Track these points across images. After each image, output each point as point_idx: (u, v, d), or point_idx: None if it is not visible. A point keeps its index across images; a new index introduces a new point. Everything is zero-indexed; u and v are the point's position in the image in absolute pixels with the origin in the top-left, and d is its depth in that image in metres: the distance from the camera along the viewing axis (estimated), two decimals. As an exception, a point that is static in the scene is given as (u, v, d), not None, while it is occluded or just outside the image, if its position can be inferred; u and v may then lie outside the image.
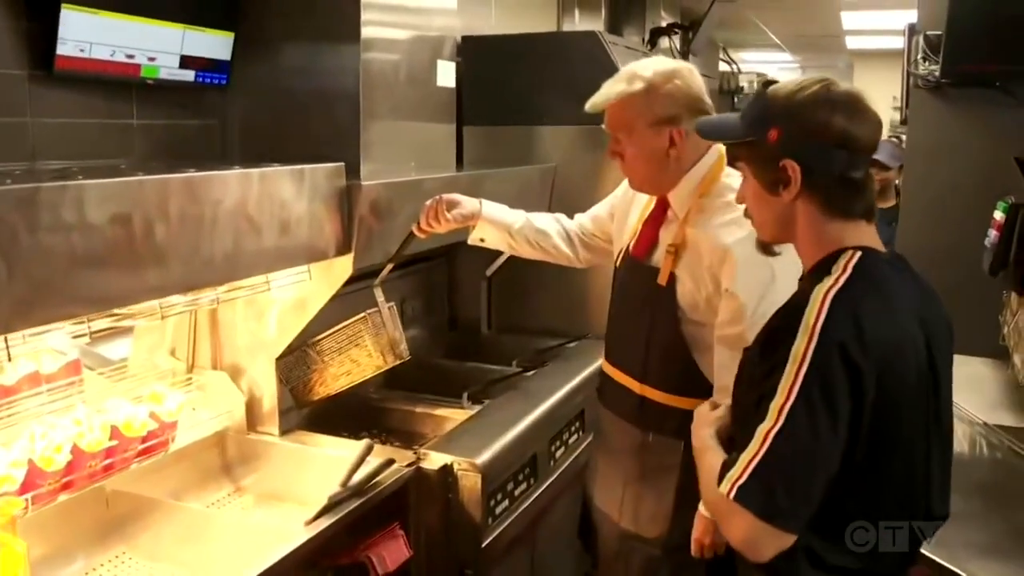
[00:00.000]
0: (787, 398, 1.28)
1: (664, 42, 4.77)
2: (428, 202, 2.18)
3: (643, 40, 4.62)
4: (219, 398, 2.30)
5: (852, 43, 9.30)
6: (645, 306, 1.98)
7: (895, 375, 1.32)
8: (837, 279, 1.35)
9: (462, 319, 3.44)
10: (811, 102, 1.39)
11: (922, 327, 1.39)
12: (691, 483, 1.76)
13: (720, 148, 1.97)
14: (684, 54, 4.99)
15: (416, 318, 3.21)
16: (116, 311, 1.68)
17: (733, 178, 1.89)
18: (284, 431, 2.34)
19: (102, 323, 1.65)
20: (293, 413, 2.42)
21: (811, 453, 1.29)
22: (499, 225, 2.25)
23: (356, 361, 2.35)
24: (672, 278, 1.92)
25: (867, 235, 1.42)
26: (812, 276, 1.40)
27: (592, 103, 1.95)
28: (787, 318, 1.35)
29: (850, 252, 1.39)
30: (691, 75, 1.92)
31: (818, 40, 9.29)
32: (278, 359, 2.32)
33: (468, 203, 2.22)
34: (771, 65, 11.29)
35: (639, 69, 1.91)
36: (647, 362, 1.98)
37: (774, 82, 1.47)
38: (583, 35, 3.09)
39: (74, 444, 1.71)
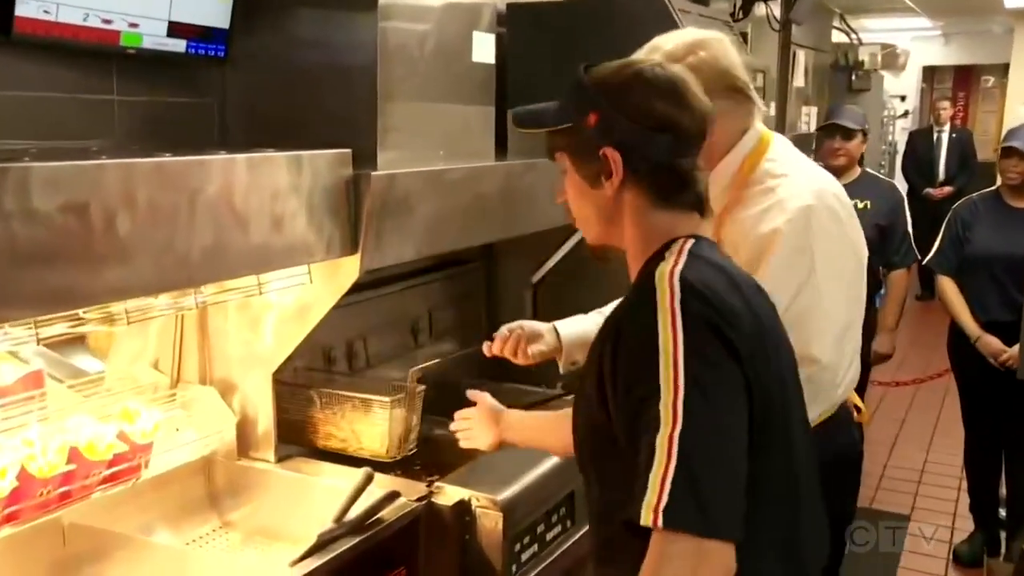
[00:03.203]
0: (675, 393, 1.30)
1: (760, 9, 4.71)
2: (504, 329, 2.29)
3: (734, 7, 4.57)
4: (207, 417, 2.34)
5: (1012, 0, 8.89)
6: None
7: (760, 354, 1.41)
8: (676, 259, 1.43)
9: (503, 333, 3.43)
10: (631, 83, 1.48)
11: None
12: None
13: (759, 132, 2.04)
14: (785, 24, 4.92)
15: (448, 331, 3.23)
16: (73, 315, 1.72)
17: (776, 163, 1.99)
18: (281, 457, 2.37)
19: (55, 328, 1.68)
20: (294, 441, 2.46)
21: (727, 443, 1.32)
22: (585, 343, 2.24)
23: (357, 435, 2.43)
24: None
25: (699, 227, 1.52)
26: (644, 272, 1.47)
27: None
28: (633, 317, 1.43)
29: (682, 239, 1.48)
30: (720, 45, 1.97)
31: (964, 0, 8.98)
32: (276, 375, 2.36)
33: (547, 335, 2.31)
34: (903, 33, 11.07)
35: (661, 41, 1.99)
36: None
37: (594, 65, 1.56)
38: (647, 1, 3.06)
39: (22, 468, 1.75)
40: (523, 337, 2.26)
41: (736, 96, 2.00)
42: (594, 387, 1.46)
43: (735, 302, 1.41)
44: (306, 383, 2.53)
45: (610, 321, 1.50)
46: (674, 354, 1.31)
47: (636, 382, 1.35)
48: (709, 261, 1.46)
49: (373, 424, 2.40)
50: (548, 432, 2.01)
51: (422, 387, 2.45)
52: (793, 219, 1.90)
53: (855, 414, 2.29)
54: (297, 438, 2.45)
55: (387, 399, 2.40)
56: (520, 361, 2.28)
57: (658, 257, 1.46)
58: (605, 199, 1.50)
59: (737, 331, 1.36)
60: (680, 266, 1.41)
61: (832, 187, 2.05)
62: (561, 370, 2.36)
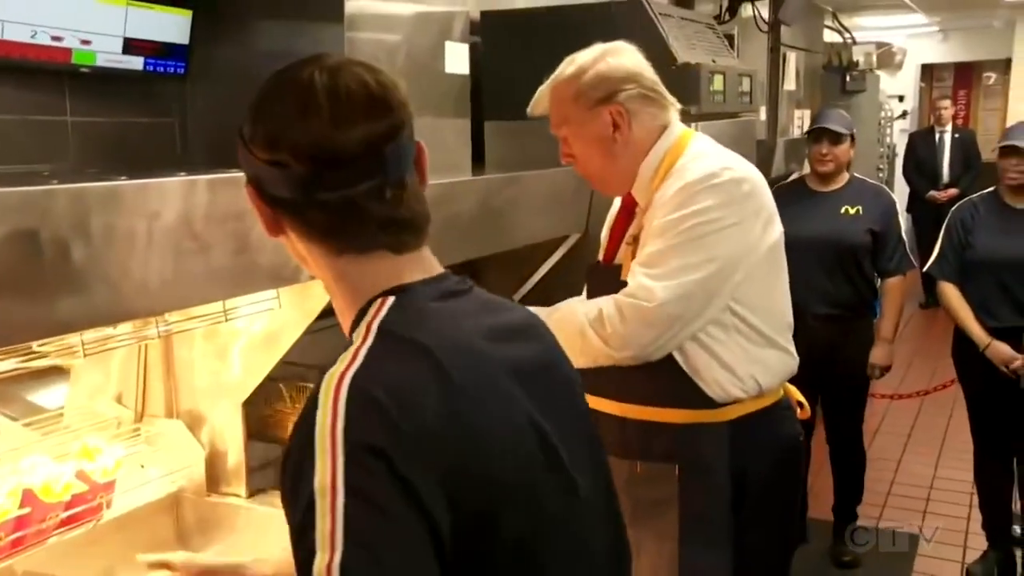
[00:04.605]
0: (331, 554, 1.02)
1: (747, 10, 4.73)
2: None
3: (720, 9, 4.59)
4: (174, 452, 2.32)
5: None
6: None
7: (475, 473, 1.12)
8: (355, 353, 1.15)
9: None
10: (260, 99, 1.25)
11: (515, 378, 1.24)
12: (695, 517, 1.97)
13: (678, 130, 2.26)
14: (773, 25, 4.94)
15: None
16: (26, 348, 1.70)
17: (692, 153, 2.19)
18: (254, 491, 2.36)
19: (7, 363, 1.67)
20: (270, 469, 2.43)
21: None
22: None
23: None
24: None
25: (403, 269, 1.26)
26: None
27: (532, 103, 2.32)
28: (293, 443, 1.12)
29: (376, 303, 1.22)
30: (624, 51, 2.24)
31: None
32: (245, 404, 2.34)
33: None
34: (899, 31, 11.12)
35: (574, 56, 2.24)
36: (624, 375, 2.14)
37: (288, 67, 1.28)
38: (626, 5, 3.06)
39: (-31, 514, 1.73)
40: None
41: (649, 95, 2.23)
42: None
43: (428, 414, 1.11)
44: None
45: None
46: (332, 500, 1.03)
47: (298, 533, 1.07)
48: (405, 340, 1.17)
49: None
50: None
51: None
52: (691, 180, 2.12)
53: (798, 410, 2.44)
54: (266, 434, 2.43)
55: None
56: None
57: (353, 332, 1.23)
58: (288, 244, 1.30)
59: (421, 459, 1.08)
60: (357, 364, 1.13)
61: (743, 167, 2.23)
62: None
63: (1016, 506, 4.34)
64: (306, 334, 2.26)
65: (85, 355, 1.85)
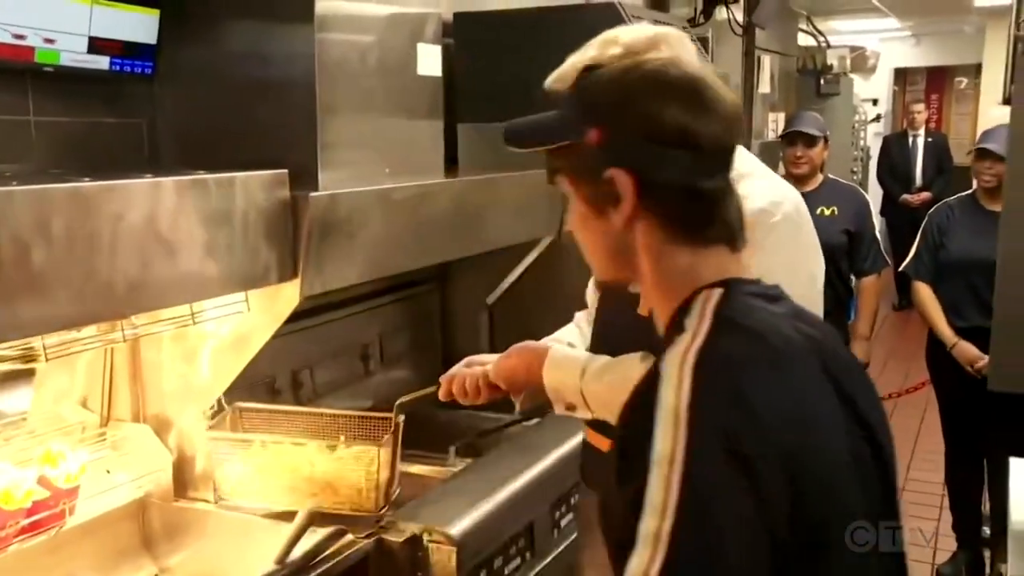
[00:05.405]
0: (661, 519, 1.06)
1: (722, 13, 4.73)
2: (455, 369, 2.12)
3: (695, 12, 4.59)
4: (141, 457, 2.29)
5: (982, -1, 8.96)
6: (627, 344, 1.86)
7: (812, 456, 1.14)
8: (695, 335, 1.19)
9: (458, 356, 3.39)
10: (642, 87, 1.28)
11: (827, 375, 1.24)
12: None
13: None
14: (747, 28, 4.94)
15: (401, 356, 3.19)
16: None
17: (740, 183, 1.88)
18: (222, 496, 2.32)
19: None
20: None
21: None
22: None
23: (328, 484, 2.25)
24: None
25: (730, 265, 1.30)
26: (672, 332, 1.25)
27: (553, 76, 1.85)
28: (643, 398, 1.16)
29: (705, 292, 1.25)
30: (680, 42, 1.88)
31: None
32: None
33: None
34: (872, 35, 11.17)
35: (618, 33, 1.87)
36: None
37: (598, 66, 1.35)
38: (599, 8, 3.05)
39: (-75, 524, 1.69)
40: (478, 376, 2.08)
41: None
42: None
43: (778, 394, 1.15)
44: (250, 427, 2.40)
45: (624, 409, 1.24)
46: (670, 472, 1.07)
47: (624, 476, 1.15)
48: (742, 326, 1.21)
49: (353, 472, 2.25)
50: None
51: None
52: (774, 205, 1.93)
53: None
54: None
55: (378, 446, 2.26)
56: (479, 402, 2.10)
57: (679, 321, 1.24)
58: (614, 230, 1.30)
59: (772, 446, 1.10)
60: (699, 343, 1.17)
61: (791, 196, 2.06)
62: (518, 408, 2.19)
63: (985, 507, 4.35)
64: (275, 337, 2.24)
65: (47, 359, 1.82)
